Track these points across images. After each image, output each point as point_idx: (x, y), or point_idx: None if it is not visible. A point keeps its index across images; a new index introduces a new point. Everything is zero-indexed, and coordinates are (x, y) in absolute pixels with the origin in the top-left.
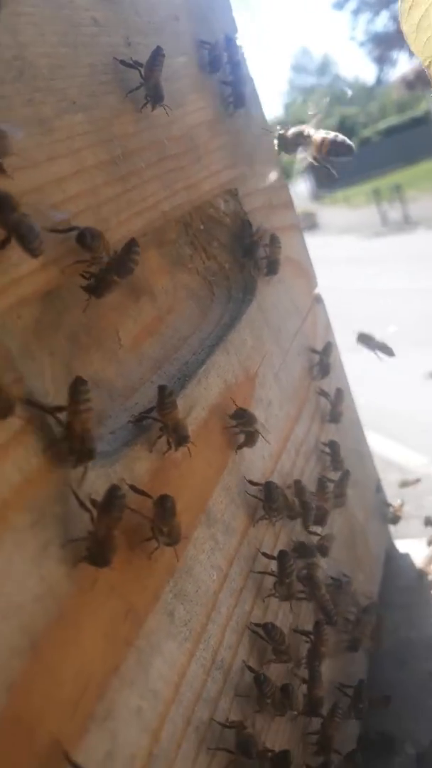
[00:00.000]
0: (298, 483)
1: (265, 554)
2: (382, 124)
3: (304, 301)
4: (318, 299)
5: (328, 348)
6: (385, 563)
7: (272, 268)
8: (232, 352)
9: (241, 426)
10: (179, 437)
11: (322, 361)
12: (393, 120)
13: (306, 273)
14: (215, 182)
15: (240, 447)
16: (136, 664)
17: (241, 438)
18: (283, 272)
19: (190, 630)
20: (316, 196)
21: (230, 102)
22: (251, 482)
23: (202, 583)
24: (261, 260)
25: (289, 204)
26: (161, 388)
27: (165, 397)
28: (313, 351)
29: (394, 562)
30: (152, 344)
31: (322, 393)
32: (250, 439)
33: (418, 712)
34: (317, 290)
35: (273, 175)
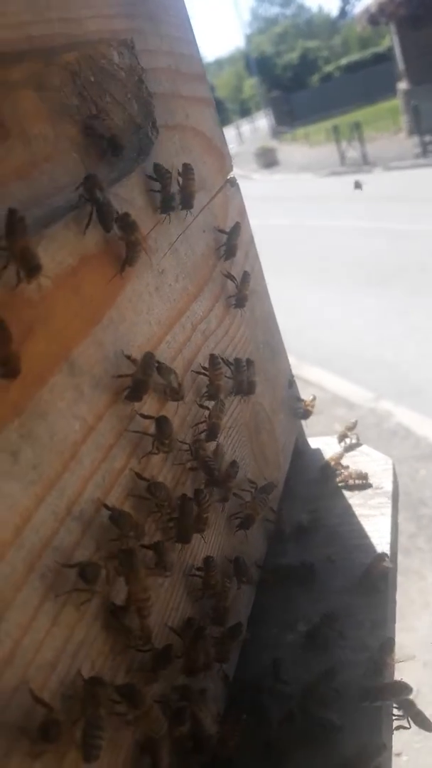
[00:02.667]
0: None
1: (142, 415)
2: (345, 60)
3: (214, 178)
4: (232, 182)
5: (236, 229)
6: (295, 458)
7: (186, 201)
8: (115, 205)
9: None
10: (29, 267)
11: (229, 241)
12: (355, 56)
13: (218, 151)
14: (104, 26)
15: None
16: None
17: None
18: (192, 145)
19: (40, 475)
20: (276, 133)
21: None
22: (128, 357)
23: (60, 430)
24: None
25: (201, 77)
26: (11, 212)
27: (15, 222)
28: (221, 231)
29: (304, 458)
30: (20, 187)
31: (228, 275)
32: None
33: (312, 592)
34: (232, 174)
35: (184, 44)
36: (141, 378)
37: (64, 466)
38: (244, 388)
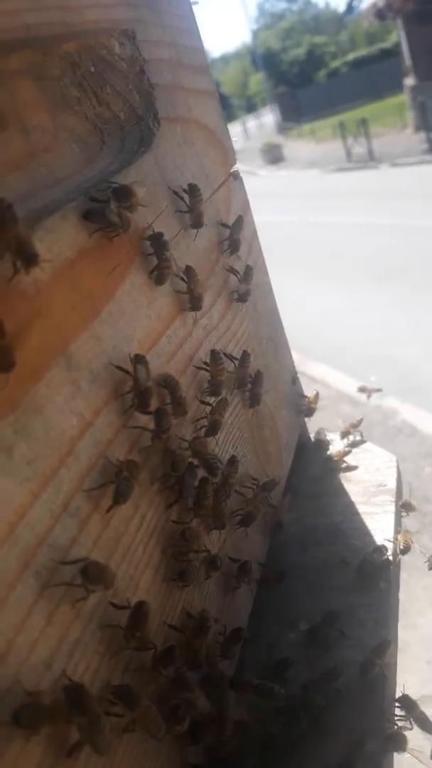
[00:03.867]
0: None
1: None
2: (351, 56)
3: (217, 171)
4: (236, 176)
5: (239, 223)
6: (298, 455)
7: (196, 221)
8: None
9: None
10: (25, 255)
11: (232, 236)
12: (362, 51)
13: (221, 144)
14: (104, 15)
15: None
16: None
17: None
18: (194, 137)
19: (35, 471)
20: (282, 129)
21: None
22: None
23: (57, 425)
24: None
25: (204, 70)
26: None
27: (3, 211)
28: (223, 225)
29: (307, 454)
30: (18, 178)
31: (231, 270)
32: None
33: (316, 591)
34: (236, 168)
35: (186, 35)
36: (142, 388)
37: (60, 462)
38: (248, 395)
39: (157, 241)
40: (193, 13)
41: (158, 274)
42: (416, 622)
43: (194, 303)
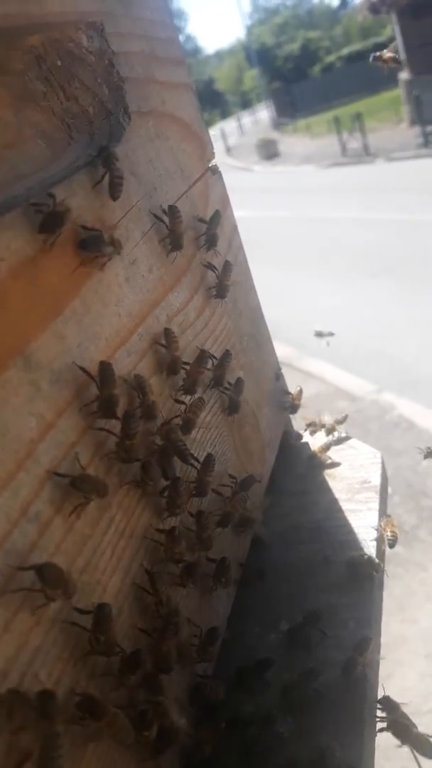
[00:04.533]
0: None
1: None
2: (346, 50)
3: (194, 166)
4: (214, 170)
5: (216, 217)
6: (283, 452)
7: (176, 243)
8: (80, 194)
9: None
10: None
11: (209, 231)
12: (357, 46)
13: (197, 138)
14: (70, 7)
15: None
16: None
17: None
18: (169, 131)
19: None
20: (278, 124)
21: None
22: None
23: (14, 427)
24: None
25: (180, 62)
26: None
27: None
28: (200, 220)
29: (292, 451)
30: None
31: (209, 266)
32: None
33: (296, 590)
34: (214, 162)
35: (160, 27)
36: (108, 395)
37: (18, 466)
38: (228, 401)
39: (105, 154)
40: (167, 5)
41: (111, 186)
42: (414, 616)
43: (175, 243)
